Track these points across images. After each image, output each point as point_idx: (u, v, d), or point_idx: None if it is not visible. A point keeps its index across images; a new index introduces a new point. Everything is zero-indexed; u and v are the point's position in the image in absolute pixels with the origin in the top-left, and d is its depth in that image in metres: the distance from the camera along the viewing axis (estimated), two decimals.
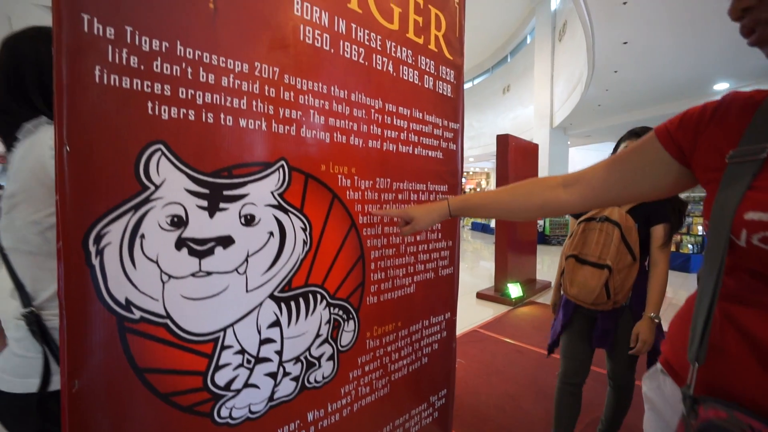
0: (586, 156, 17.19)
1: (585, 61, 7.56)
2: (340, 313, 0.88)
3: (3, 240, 0.67)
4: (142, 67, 0.56)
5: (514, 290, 4.06)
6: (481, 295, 4.26)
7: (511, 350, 2.85)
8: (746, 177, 0.44)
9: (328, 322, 0.85)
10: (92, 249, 0.54)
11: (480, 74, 17.76)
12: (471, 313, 3.71)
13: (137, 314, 0.58)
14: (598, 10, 5.71)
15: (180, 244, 0.61)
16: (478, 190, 18.84)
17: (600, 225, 1.34)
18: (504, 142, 4.11)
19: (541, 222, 9.48)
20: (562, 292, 1.52)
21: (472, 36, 14.42)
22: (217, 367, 0.68)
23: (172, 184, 0.60)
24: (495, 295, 4.15)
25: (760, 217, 0.41)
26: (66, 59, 0.50)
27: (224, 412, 0.70)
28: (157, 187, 0.58)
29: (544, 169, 10.99)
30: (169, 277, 0.61)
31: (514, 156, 4.19)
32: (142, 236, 0.58)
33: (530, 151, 4.65)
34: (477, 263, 6.96)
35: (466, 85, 18.17)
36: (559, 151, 12.03)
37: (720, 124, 0.51)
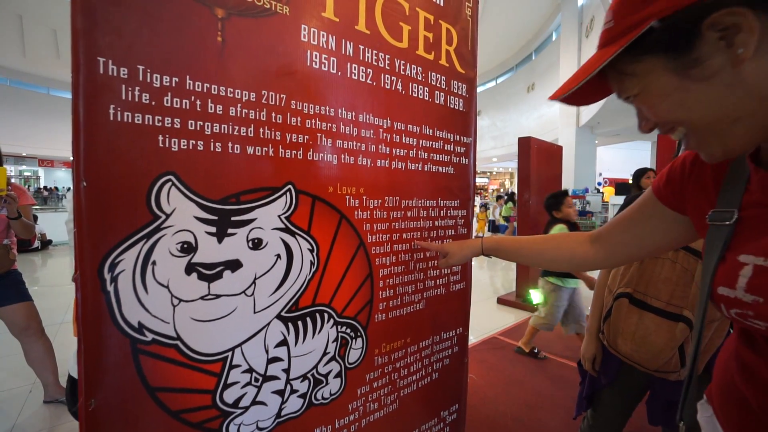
0: (615, 155, 16.57)
1: None
2: (348, 331, 0.89)
3: None
4: (153, 103, 0.59)
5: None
6: (501, 301, 4.18)
7: (532, 359, 2.79)
8: (719, 244, 0.44)
9: (336, 340, 0.87)
10: (107, 276, 0.57)
11: (503, 73, 17.44)
12: (491, 319, 3.65)
13: (149, 336, 0.61)
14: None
15: (190, 269, 0.64)
16: (502, 190, 18.48)
17: (673, 254, 0.98)
18: (526, 144, 4.01)
19: None
20: (605, 343, 1.12)
21: (496, 34, 14.19)
22: (226, 386, 0.71)
23: (182, 213, 0.62)
24: (516, 300, 4.06)
25: (728, 293, 0.41)
26: (83, 100, 0.53)
27: (233, 429, 0.73)
28: (167, 216, 0.61)
29: (569, 170, 10.68)
30: (180, 300, 0.63)
31: (537, 159, 4.09)
32: (154, 263, 0.60)
33: (554, 153, 4.52)
34: (499, 266, 6.83)
35: (489, 84, 17.90)
36: (585, 150, 11.67)
37: (698, 181, 0.50)
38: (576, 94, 0.48)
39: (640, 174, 3.36)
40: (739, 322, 0.42)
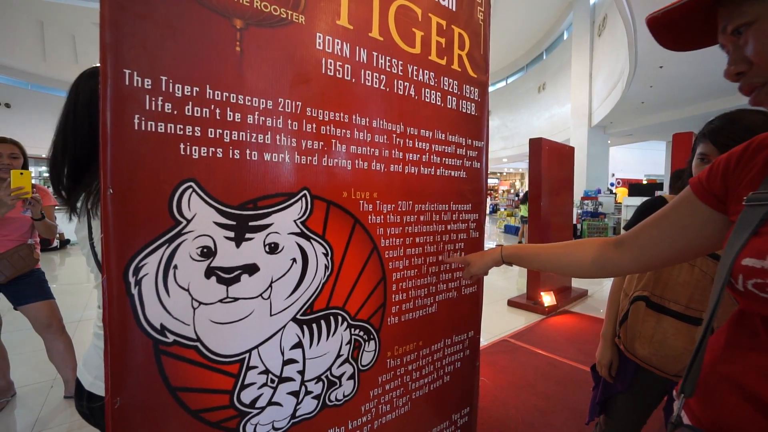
0: (628, 156, 16.28)
1: (627, 56, 7.17)
2: (361, 333, 0.90)
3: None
4: (175, 112, 0.61)
5: (547, 298, 3.93)
6: (512, 303, 4.15)
7: (543, 362, 2.76)
8: (755, 221, 0.44)
9: (349, 342, 0.88)
10: (131, 280, 0.59)
11: (514, 73, 17.29)
12: (501, 322, 3.63)
13: (171, 338, 0.63)
14: (641, 3, 5.40)
15: (209, 273, 0.66)
16: (512, 191, 18.33)
17: None
18: (537, 145, 3.98)
19: (578, 225, 9.09)
20: (622, 347, 1.12)
21: (506, 34, 14.08)
22: (243, 386, 0.72)
23: (202, 218, 0.64)
24: (527, 302, 4.03)
25: (754, 264, 0.42)
26: (110, 111, 0.55)
27: (249, 428, 0.74)
28: (188, 222, 0.63)
29: (581, 171, 10.55)
30: (199, 303, 0.65)
31: (548, 160, 4.05)
32: (175, 267, 0.62)
33: (565, 154, 4.47)
34: (509, 268, 6.78)
35: (500, 84, 17.77)
36: (598, 150, 11.50)
37: (745, 169, 0.50)
38: (672, 23, 0.47)
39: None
40: (750, 295, 0.43)
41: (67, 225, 7.37)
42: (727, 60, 0.47)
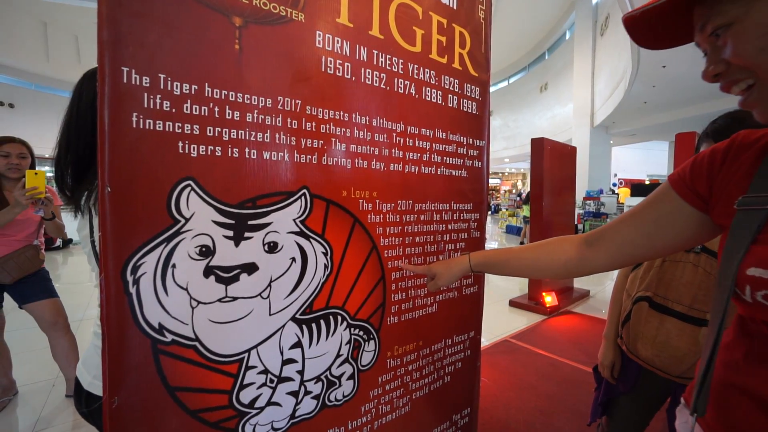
0: (631, 156, 16.22)
1: (629, 56, 7.14)
2: (361, 333, 0.90)
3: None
4: (174, 110, 0.60)
5: (549, 298, 3.91)
6: (514, 303, 4.14)
7: (544, 363, 2.75)
8: (752, 227, 0.42)
9: (349, 342, 0.87)
10: (129, 279, 0.59)
11: (516, 73, 17.27)
12: (503, 322, 3.62)
13: (169, 337, 0.63)
14: (643, 2, 5.37)
15: (208, 272, 0.65)
16: (514, 191, 18.29)
17: (695, 258, 0.97)
18: (539, 145, 3.97)
19: (579, 225, 9.06)
20: (624, 348, 1.12)
21: (508, 34, 14.06)
22: (242, 386, 0.72)
23: (200, 217, 0.64)
24: (529, 303, 4.02)
25: (761, 274, 0.40)
26: (108, 109, 0.55)
27: (248, 429, 0.74)
28: (187, 220, 0.63)
29: (583, 172, 10.52)
30: (198, 302, 0.65)
31: (550, 160, 4.03)
32: (174, 266, 0.62)
33: (567, 154, 4.46)
34: None
35: (502, 84, 17.74)
36: (600, 150, 11.47)
37: (731, 168, 0.49)
38: (650, 22, 0.47)
39: None
40: (760, 306, 0.41)
41: (70, 224, 7.41)
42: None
